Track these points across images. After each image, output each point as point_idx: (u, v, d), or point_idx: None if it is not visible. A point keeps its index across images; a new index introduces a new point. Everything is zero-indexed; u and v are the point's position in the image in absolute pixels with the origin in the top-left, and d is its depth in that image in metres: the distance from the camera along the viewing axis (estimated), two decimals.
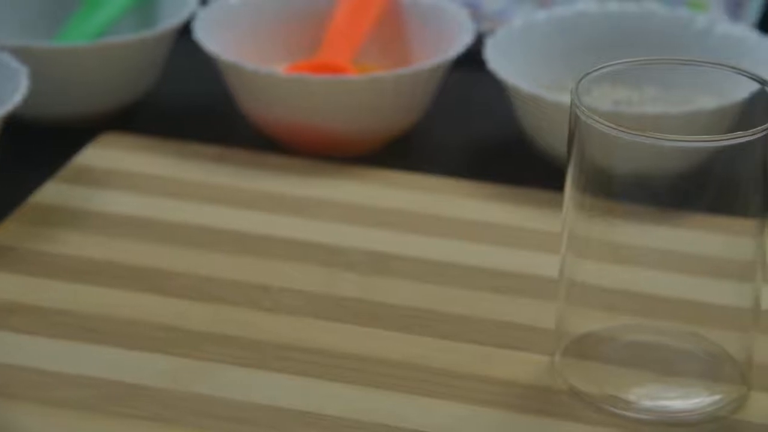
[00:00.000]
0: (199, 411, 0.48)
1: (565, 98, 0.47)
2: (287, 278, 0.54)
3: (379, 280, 0.54)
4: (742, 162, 0.46)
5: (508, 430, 0.47)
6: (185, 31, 0.65)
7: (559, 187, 0.48)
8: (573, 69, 0.50)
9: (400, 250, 0.56)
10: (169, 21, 0.65)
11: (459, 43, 0.62)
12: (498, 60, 0.61)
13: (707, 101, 0.52)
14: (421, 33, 0.66)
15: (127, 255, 0.55)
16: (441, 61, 0.62)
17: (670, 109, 0.57)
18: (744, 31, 0.63)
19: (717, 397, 0.48)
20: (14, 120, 0.61)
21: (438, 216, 0.58)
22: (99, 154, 0.62)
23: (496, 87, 0.62)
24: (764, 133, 0.45)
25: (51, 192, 0.59)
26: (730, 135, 0.45)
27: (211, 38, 0.63)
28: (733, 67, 0.48)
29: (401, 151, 0.63)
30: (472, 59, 0.63)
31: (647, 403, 0.48)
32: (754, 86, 0.47)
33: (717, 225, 0.47)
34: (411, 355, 0.50)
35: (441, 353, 0.50)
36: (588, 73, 0.47)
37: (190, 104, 0.67)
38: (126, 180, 0.60)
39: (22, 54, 0.61)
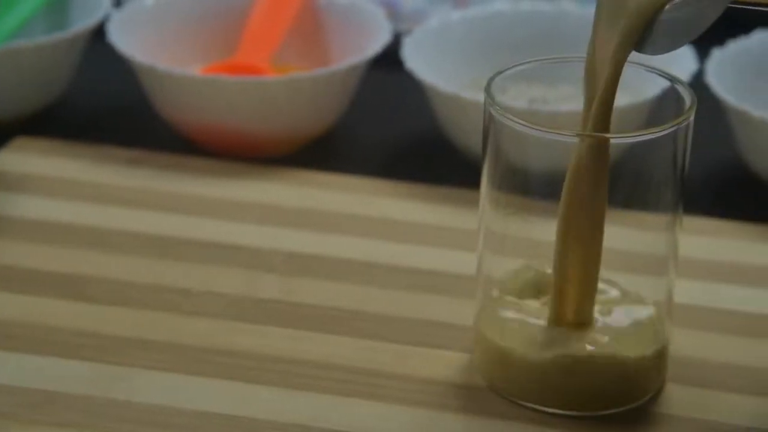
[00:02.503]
0: (119, 417, 0.47)
1: (482, 96, 0.47)
2: (207, 281, 0.54)
3: (299, 281, 0.54)
4: (653, 158, 0.47)
5: (430, 428, 0.47)
6: (99, 33, 0.64)
7: (478, 185, 0.48)
8: (491, 67, 0.50)
9: (320, 251, 0.56)
10: (81, 23, 0.64)
11: (376, 43, 0.63)
12: (415, 59, 0.62)
13: (620, 98, 0.53)
14: (339, 33, 0.66)
15: (44, 260, 0.55)
16: (358, 61, 0.62)
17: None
18: None
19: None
20: None
21: (358, 216, 0.58)
22: (13, 159, 0.61)
23: (415, 86, 0.62)
24: (674, 129, 0.46)
25: None
26: (641, 132, 0.46)
27: (125, 40, 0.62)
28: (644, 65, 0.49)
29: (320, 151, 0.63)
30: (390, 59, 0.64)
31: None
32: (665, 83, 0.48)
33: (630, 220, 0.48)
34: (332, 356, 0.50)
35: (361, 353, 0.50)
36: (501, 72, 0.48)
37: (105, 107, 0.67)
38: (41, 185, 0.59)
39: None
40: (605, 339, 0.47)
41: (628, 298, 0.48)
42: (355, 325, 0.52)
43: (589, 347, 0.46)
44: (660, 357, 0.48)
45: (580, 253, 0.46)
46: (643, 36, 0.44)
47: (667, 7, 0.43)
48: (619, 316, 0.48)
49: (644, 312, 0.48)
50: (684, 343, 0.50)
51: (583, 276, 0.46)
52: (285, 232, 0.57)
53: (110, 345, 0.50)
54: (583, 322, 0.47)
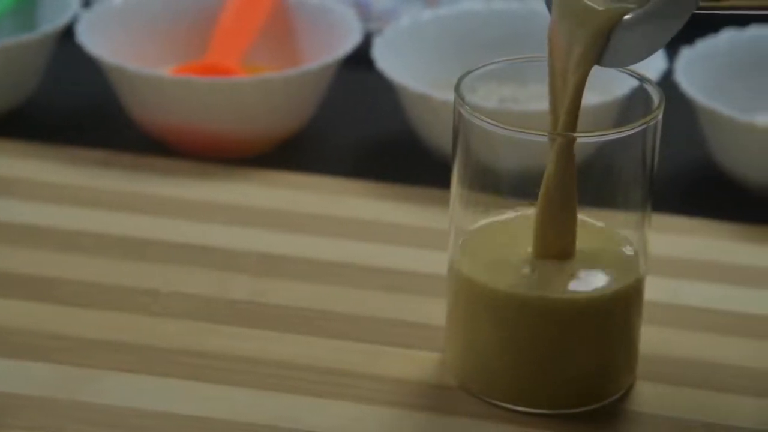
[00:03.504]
0: (86, 419, 0.47)
1: (453, 96, 0.47)
2: (176, 282, 0.54)
3: (270, 282, 0.54)
4: (623, 157, 0.47)
5: (401, 428, 0.47)
6: (68, 33, 0.64)
7: (449, 184, 0.48)
8: (462, 67, 0.50)
9: (291, 251, 0.56)
10: (50, 23, 0.64)
11: (347, 43, 0.63)
12: (386, 59, 0.62)
13: (590, 98, 0.53)
14: (310, 33, 0.66)
15: (11, 262, 0.54)
16: (329, 61, 0.62)
17: None
18: None
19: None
20: None
21: (329, 216, 0.58)
22: None
23: (385, 86, 0.62)
24: (643, 128, 0.46)
25: None
26: (611, 130, 0.46)
27: (94, 41, 0.62)
28: None
29: (292, 151, 0.63)
30: (360, 59, 0.64)
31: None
32: (634, 83, 0.48)
33: (600, 218, 0.48)
34: (303, 356, 0.50)
35: (333, 353, 0.50)
36: (471, 72, 0.48)
37: (74, 108, 0.66)
38: (10, 186, 0.59)
39: None
40: (583, 273, 0.46)
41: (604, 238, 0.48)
42: (326, 325, 0.52)
43: (567, 279, 0.46)
44: (633, 296, 0.47)
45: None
46: (604, 48, 0.44)
47: (626, 17, 0.43)
48: (595, 255, 0.47)
49: (620, 250, 0.48)
50: (654, 341, 0.50)
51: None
52: (256, 232, 0.57)
53: (78, 347, 0.50)
54: (564, 256, 0.46)
